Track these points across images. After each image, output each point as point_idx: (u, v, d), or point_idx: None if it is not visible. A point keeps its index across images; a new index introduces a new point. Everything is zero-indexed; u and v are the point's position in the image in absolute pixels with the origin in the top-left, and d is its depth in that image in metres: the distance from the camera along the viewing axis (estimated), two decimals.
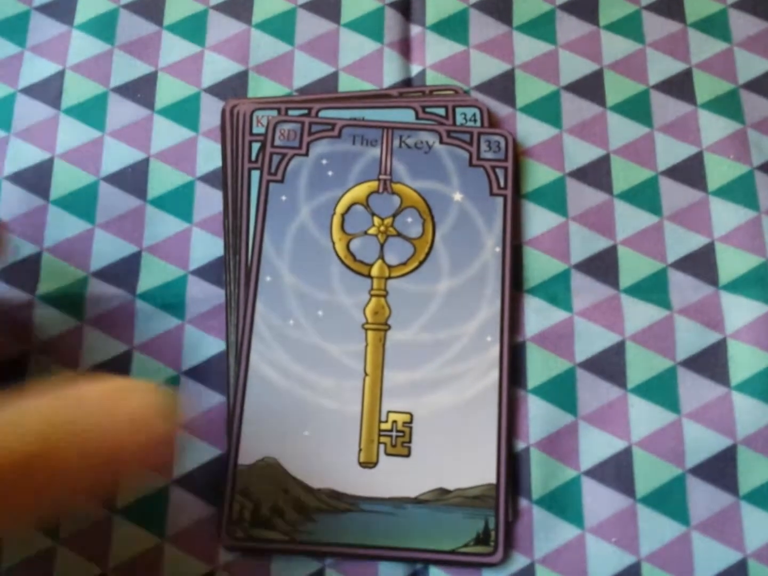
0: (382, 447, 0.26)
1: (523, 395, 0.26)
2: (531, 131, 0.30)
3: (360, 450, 0.26)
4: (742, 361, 0.27)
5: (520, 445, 0.26)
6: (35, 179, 0.29)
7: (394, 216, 0.28)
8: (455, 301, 0.27)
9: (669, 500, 0.25)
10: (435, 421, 0.26)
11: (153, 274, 0.28)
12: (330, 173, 0.28)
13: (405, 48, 0.31)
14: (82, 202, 0.29)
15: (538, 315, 0.27)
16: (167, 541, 0.25)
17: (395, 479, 0.25)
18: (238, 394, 0.26)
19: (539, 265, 0.28)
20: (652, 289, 0.28)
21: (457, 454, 0.26)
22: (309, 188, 0.28)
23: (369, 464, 0.26)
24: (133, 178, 0.29)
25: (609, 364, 0.27)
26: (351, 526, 0.25)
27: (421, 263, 0.27)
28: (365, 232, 0.28)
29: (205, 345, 0.27)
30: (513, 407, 0.26)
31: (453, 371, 0.26)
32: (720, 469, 0.26)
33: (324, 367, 0.26)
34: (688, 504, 0.25)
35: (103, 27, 0.31)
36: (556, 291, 0.28)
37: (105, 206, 0.29)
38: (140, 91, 0.30)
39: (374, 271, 0.27)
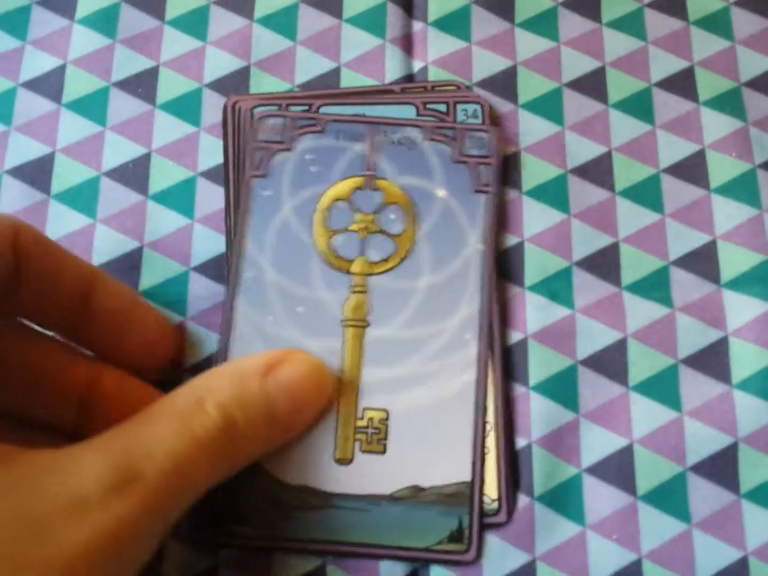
0: (357, 444, 0.25)
1: (525, 392, 0.26)
2: (533, 128, 0.30)
3: (335, 447, 0.25)
4: (744, 359, 0.27)
5: (522, 442, 0.26)
6: (36, 174, 0.29)
7: (376, 212, 0.28)
8: (436, 298, 0.27)
9: (670, 498, 0.25)
10: (411, 419, 0.26)
11: (154, 271, 0.28)
12: (314, 169, 0.28)
13: (407, 44, 0.31)
14: (83, 197, 0.29)
15: (539, 312, 0.27)
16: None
17: (370, 476, 0.25)
18: None
19: (540, 262, 0.28)
20: (654, 287, 0.28)
21: (432, 452, 0.25)
22: (293, 184, 0.28)
23: (344, 461, 0.25)
24: (134, 174, 0.29)
25: (610, 362, 0.27)
26: (325, 522, 0.25)
27: (402, 260, 0.27)
28: (347, 229, 0.28)
29: (207, 341, 0.27)
30: (512, 404, 0.26)
31: (431, 368, 0.26)
32: (721, 467, 0.26)
33: None
34: (689, 502, 0.25)
35: (105, 21, 0.31)
36: (558, 288, 0.28)
37: (106, 201, 0.29)
38: (141, 85, 0.30)
39: (355, 268, 0.27)
